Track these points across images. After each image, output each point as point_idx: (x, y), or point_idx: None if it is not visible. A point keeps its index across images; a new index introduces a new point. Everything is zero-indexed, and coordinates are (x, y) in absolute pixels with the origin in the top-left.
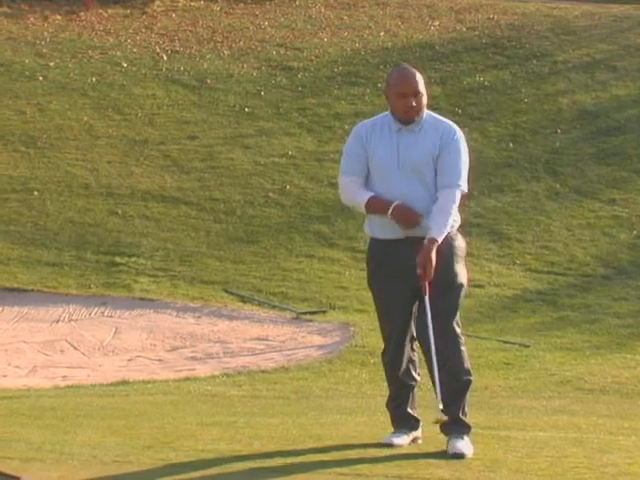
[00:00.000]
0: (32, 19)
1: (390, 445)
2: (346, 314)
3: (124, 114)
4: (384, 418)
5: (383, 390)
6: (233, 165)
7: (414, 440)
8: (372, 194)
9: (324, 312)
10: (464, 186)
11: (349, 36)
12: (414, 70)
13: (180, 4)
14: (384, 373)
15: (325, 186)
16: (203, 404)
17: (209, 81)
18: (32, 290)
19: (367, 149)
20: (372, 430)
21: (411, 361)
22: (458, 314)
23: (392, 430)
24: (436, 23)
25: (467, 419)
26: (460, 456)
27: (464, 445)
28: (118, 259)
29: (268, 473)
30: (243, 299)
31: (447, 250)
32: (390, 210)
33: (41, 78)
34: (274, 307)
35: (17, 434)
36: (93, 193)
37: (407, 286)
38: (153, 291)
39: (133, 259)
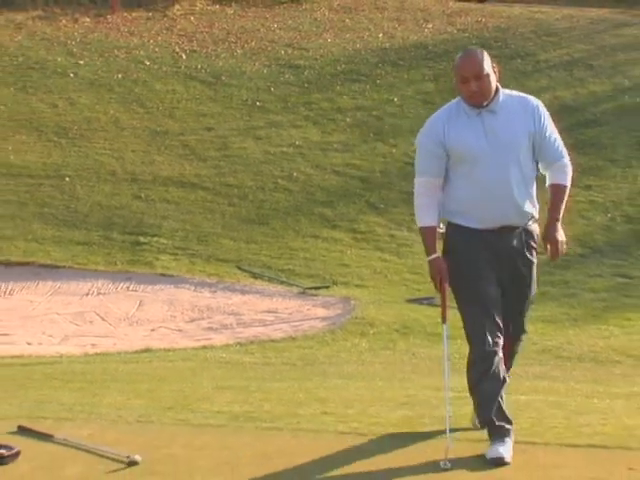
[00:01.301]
0: (64, 21)
1: (500, 461)
2: (347, 289)
3: (147, 107)
4: (382, 383)
5: (381, 357)
6: (245, 154)
7: None
8: (430, 224)
9: (327, 287)
10: (566, 153)
11: (350, 37)
12: (477, 52)
13: (197, 8)
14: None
15: (329, 173)
16: (218, 370)
17: (224, 78)
18: (64, 266)
19: (446, 142)
20: (372, 394)
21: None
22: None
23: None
24: (429, 25)
25: None
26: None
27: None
28: (142, 239)
29: (277, 433)
30: (254, 275)
31: (530, 243)
32: (430, 257)
33: (72, 75)
34: (282, 282)
35: (51, 396)
36: (119, 179)
37: (493, 278)
38: (173, 268)
39: (155, 239)
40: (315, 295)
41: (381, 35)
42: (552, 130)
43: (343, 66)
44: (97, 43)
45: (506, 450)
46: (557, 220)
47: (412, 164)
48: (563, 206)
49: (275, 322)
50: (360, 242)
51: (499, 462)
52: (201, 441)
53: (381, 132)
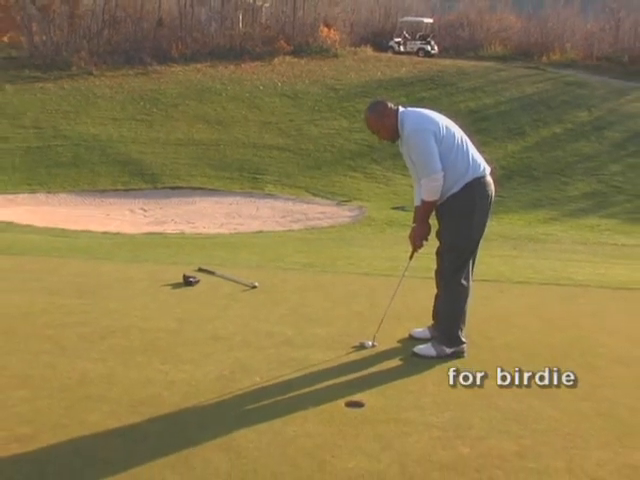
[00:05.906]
0: (220, 67)
1: (414, 354)
2: (361, 202)
3: (261, 110)
4: (379, 250)
5: (378, 237)
6: (310, 133)
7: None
8: (416, 204)
9: (350, 201)
10: (429, 172)
11: (364, 74)
12: (366, 115)
13: (286, 60)
14: None
15: (352, 143)
16: (295, 242)
17: (299, 95)
18: (219, 190)
19: None
20: (373, 254)
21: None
22: (453, 268)
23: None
24: (403, 69)
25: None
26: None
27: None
28: (257, 176)
29: (325, 273)
30: (314, 194)
31: (444, 208)
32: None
33: (223, 94)
34: (328, 198)
35: (214, 254)
36: (246, 146)
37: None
38: (274, 191)
39: (264, 176)
40: (344, 205)
41: (379, 73)
42: (417, 155)
43: (359, 89)
44: (236, 78)
45: (422, 349)
46: (414, 224)
47: None
48: (421, 214)
49: (324, 218)
50: (368, 178)
51: (414, 354)
52: (286, 276)
53: None
